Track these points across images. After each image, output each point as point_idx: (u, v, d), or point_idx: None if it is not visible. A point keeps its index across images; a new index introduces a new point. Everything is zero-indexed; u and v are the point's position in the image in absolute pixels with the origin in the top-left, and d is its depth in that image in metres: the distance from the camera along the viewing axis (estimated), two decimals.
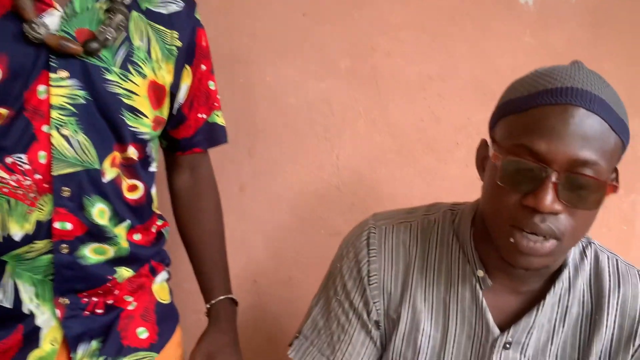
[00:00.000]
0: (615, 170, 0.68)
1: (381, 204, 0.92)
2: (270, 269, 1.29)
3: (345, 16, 1.21)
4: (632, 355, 0.73)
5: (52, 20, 0.72)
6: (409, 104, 1.25)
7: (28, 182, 0.74)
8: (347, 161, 1.26)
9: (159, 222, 0.92)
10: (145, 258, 0.87)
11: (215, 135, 0.96)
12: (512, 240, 0.63)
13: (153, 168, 0.88)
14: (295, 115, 1.23)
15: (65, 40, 0.72)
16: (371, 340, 0.80)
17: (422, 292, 0.78)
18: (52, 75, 0.73)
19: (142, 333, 0.86)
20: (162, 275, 0.91)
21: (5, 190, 0.73)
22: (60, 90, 0.74)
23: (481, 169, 0.74)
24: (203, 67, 0.89)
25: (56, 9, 0.72)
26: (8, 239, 0.75)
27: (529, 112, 0.64)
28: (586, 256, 0.77)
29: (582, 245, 0.78)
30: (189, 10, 0.85)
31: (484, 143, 0.74)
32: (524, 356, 0.74)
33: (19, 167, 0.73)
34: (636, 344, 0.73)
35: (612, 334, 0.74)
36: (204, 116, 0.92)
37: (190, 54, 0.86)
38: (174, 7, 0.83)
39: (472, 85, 1.24)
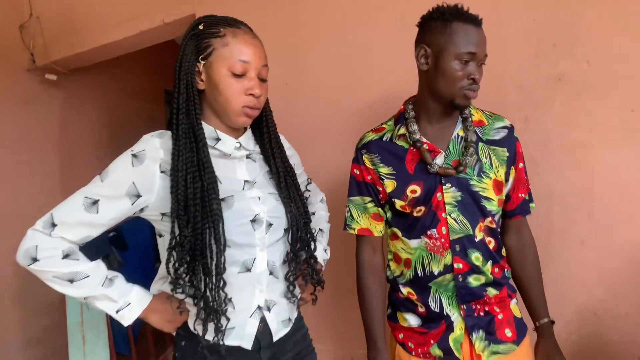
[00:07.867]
0: None
1: None
2: (610, 305, 1.47)
3: None
4: None
5: (439, 160, 1.23)
6: None
7: (438, 244, 1.25)
8: None
9: (504, 263, 1.34)
10: (502, 284, 1.30)
11: (527, 207, 1.33)
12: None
13: (497, 229, 1.33)
14: None
15: (447, 169, 1.21)
16: None
17: None
18: (443, 187, 1.22)
19: (508, 332, 1.28)
20: (513, 300, 1.33)
21: (429, 248, 1.26)
22: (448, 194, 1.22)
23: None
24: (520, 164, 1.30)
25: (441, 153, 1.24)
26: (431, 274, 1.27)
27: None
28: None
29: None
30: (510, 134, 1.27)
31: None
32: None
33: (434, 236, 1.25)
34: None
35: None
36: (523, 195, 1.32)
37: (513, 159, 1.27)
38: (501, 134, 1.27)
39: None
